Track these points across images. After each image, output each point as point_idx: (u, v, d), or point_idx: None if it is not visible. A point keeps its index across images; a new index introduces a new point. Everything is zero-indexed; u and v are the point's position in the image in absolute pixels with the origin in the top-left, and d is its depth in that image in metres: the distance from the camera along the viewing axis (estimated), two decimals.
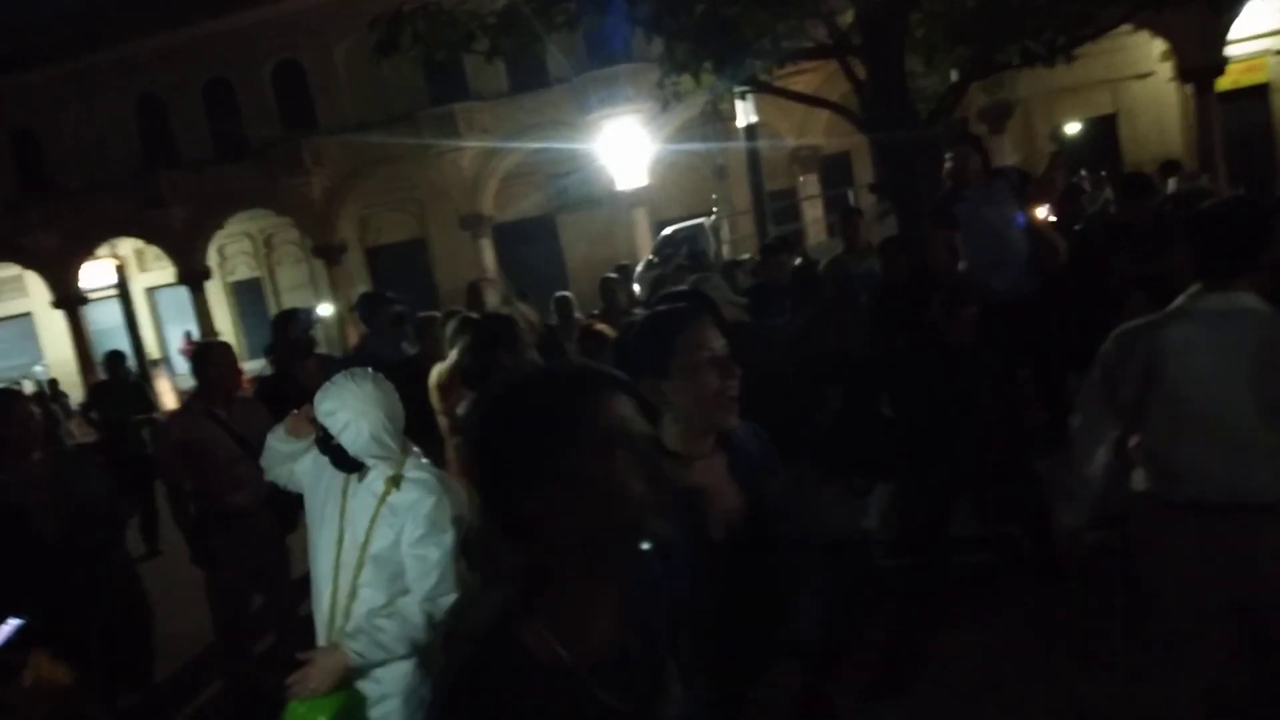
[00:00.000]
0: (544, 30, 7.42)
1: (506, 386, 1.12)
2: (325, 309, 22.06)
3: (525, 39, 7.71)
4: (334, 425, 2.53)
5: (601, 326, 4.47)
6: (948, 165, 4.90)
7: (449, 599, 2.49)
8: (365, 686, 2.56)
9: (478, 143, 22.28)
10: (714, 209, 17.88)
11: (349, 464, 2.57)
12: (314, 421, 2.60)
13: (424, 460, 2.69)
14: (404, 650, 2.46)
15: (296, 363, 4.99)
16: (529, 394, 1.10)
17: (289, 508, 4.74)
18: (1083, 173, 6.98)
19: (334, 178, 23.65)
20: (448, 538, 2.51)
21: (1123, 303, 3.86)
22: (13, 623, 2.75)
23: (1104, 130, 20.79)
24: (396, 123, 22.51)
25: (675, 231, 18.36)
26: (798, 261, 6.64)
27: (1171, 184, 5.70)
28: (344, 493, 2.63)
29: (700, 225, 17.77)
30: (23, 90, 24.72)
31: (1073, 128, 20.61)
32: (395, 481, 2.56)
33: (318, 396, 2.57)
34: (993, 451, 4.13)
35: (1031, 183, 4.65)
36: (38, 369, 22.16)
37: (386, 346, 5.44)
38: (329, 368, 5.16)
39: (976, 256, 4.73)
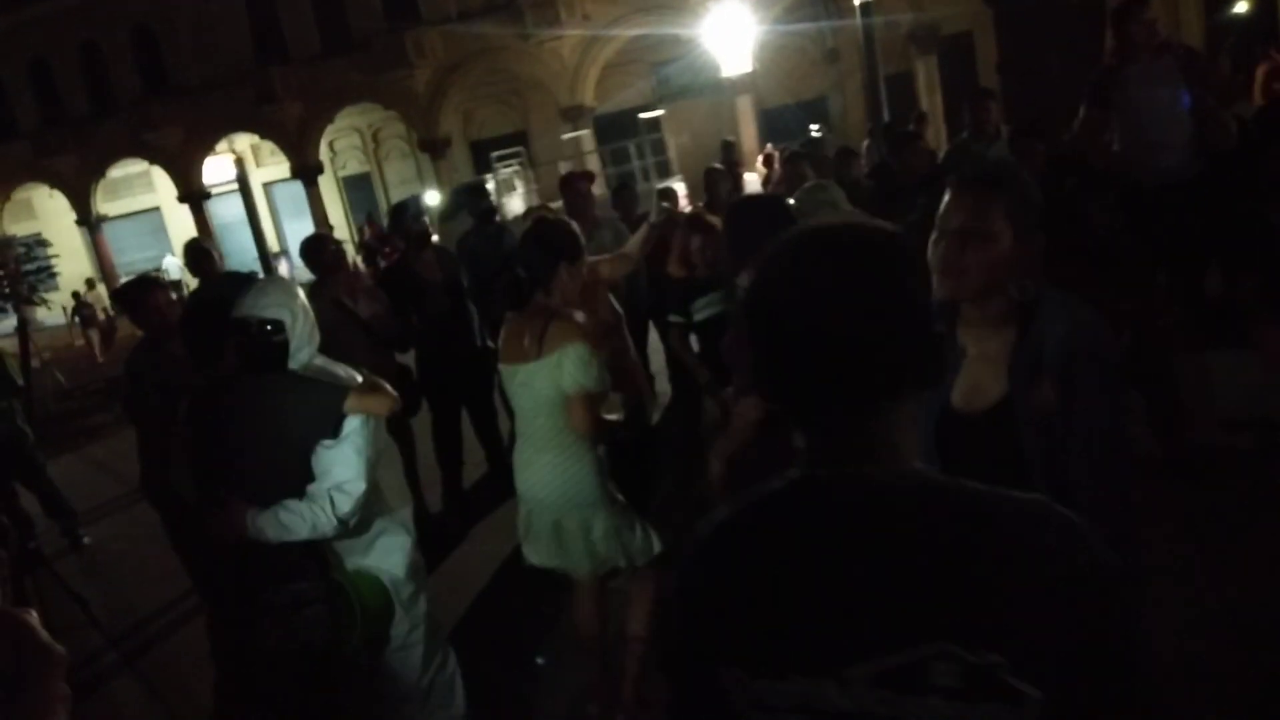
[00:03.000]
0: None
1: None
2: (432, 197, 22.35)
3: None
4: (284, 319, 2.61)
5: (711, 217, 4.36)
6: (1117, 33, 4.46)
7: (357, 487, 2.57)
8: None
9: (578, 30, 21.78)
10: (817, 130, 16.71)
11: (272, 361, 2.62)
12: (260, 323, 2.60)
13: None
14: (305, 532, 2.54)
15: (414, 254, 5.08)
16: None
17: (410, 392, 4.95)
18: (1273, 53, 6.24)
19: (437, 70, 23.63)
20: (356, 430, 2.59)
21: (1276, 192, 3.54)
22: None
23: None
24: (498, 11, 22.19)
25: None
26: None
27: None
28: None
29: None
30: None
31: (1241, 4, 18.59)
32: None
33: (254, 293, 2.62)
34: (1133, 348, 3.93)
35: (1197, 64, 4.23)
36: (168, 261, 23.34)
37: (486, 242, 5.49)
38: (445, 260, 5.27)
39: (1138, 138, 4.37)
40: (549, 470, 2.95)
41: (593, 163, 23.12)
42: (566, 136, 22.93)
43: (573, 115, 23.23)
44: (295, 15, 25.20)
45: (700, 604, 1.02)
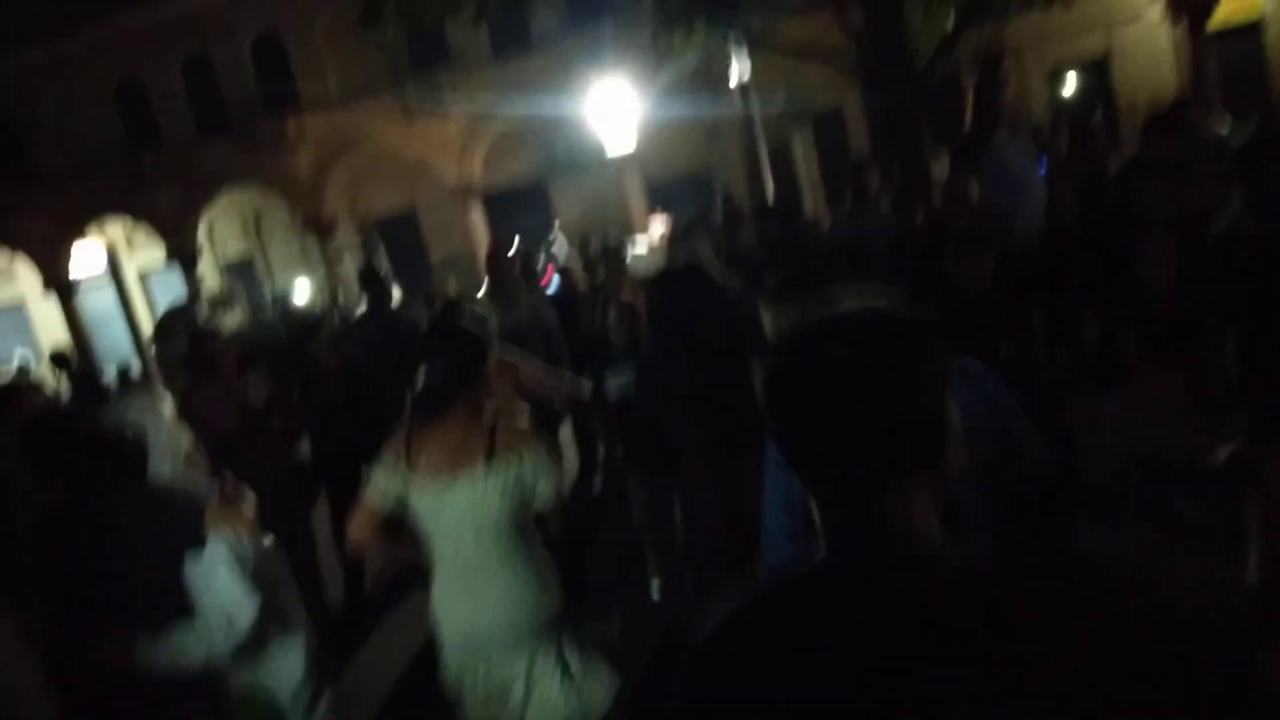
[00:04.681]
0: None
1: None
2: (303, 287, 21.78)
3: (511, 2, 7.59)
4: (145, 431, 2.53)
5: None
6: (981, 103, 4.80)
7: (248, 602, 2.43)
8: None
9: (464, 109, 21.99)
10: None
11: (129, 476, 2.51)
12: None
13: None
14: (200, 656, 2.40)
15: (306, 340, 4.94)
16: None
17: (306, 484, 4.75)
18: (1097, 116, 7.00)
19: (320, 151, 23.37)
20: (229, 543, 2.48)
21: (1145, 244, 3.84)
22: None
23: (1097, 75, 20.60)
24: (380, 93, 22.21)
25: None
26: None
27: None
28: None
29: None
30: (1, 76, 24.30)
31: (1070, 84, 20.46)
32: None
33: (114, 404, 2.57)
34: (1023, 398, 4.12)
35: (1048, 135, 4.60)
36: (20, 354, 21.49)
37: (381, 330, 5.39)
38: (342, 344, 5.14)
39: (999, 202, 4.68)
40: (504, 600, 2.58)
41: (482, 240, 23.18)
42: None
43: (461, 192, 23.27)
44: (167, 99, 24.60)
45: (719, 709, 0.98)
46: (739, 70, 8.57)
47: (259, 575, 2.50)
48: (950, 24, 7.99)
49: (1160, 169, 4.56)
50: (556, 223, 18.09)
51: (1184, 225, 4.06)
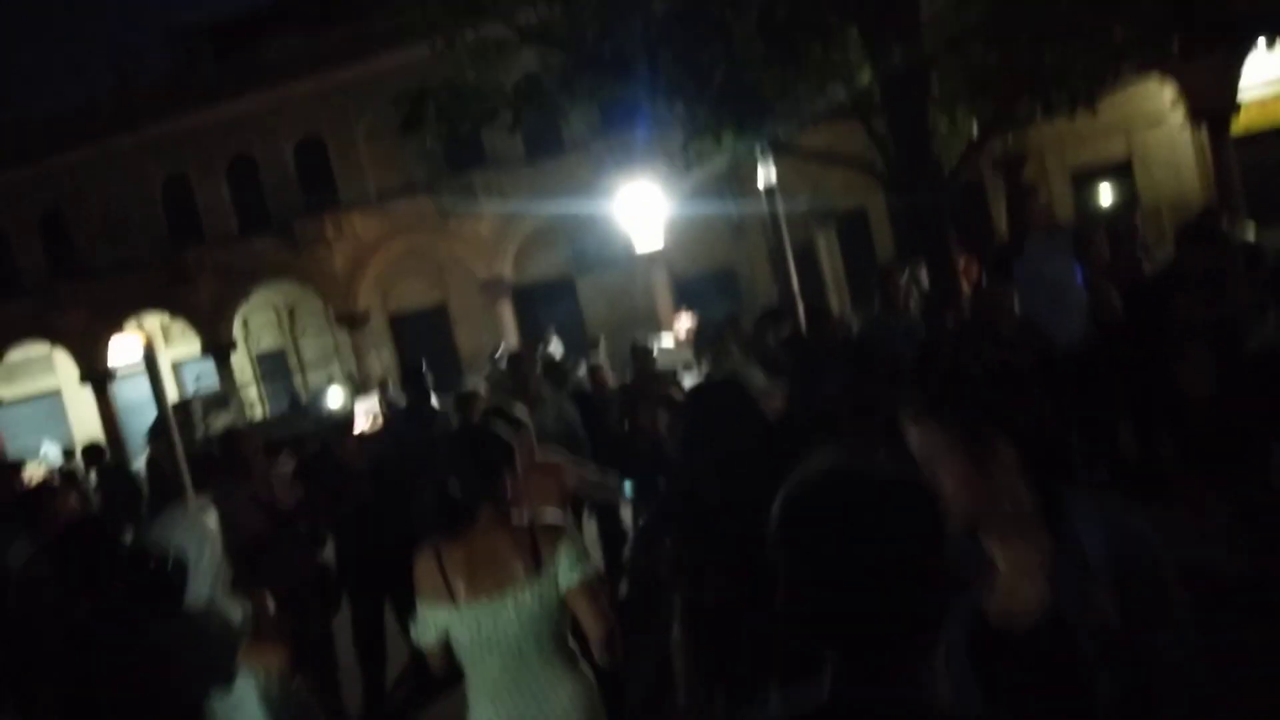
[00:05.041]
0: (567, 102, 7.53)
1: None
2: (336, 391, 21.86)
3: (547, 111, 7.84)
4: (187, 553, 2.48)
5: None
6: (1015, 215, 4.89)
7: None
8: None
9: (496, 210, 22.58)
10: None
11: (167, 598, 2.43)
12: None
13: None
14: None
15: (336, 440, 4.97)
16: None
17: (330, 590, 4.70)
18: (1136, 222, 7.03)
19: (355, 248, 24.00)
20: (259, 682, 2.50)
21: (1183, 352, 3.79)
22: None
23: (1119, 178, 20.83)
24: (416, 192, 22.91)
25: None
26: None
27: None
28: None
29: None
30: (52, 174, 25.39)
31: (1106, 194, 20.80)
32: None
33: (160, 521, 2.53)
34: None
35: (1086, 242, 4.64)
36: (46, 447, 21.55)
37: (417, 427, 5.43)
38: (371, 444, 5.16)
39: (1035, 307, 4.68)
40: (569, 703, 2.52)
41: (511, 333, 23.47)
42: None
43: (492, 287, 23.70)
44: (212, 197, 25.51)
45: None
46: (765, 175, 8.75)
47: (285, 716, 2.44)
48: (975, 131, 8.14)
49: (1195, 278, 4.56)
50: (553, 327, 18.46)
51: (1220, 334, 4.02)
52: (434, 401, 5.58)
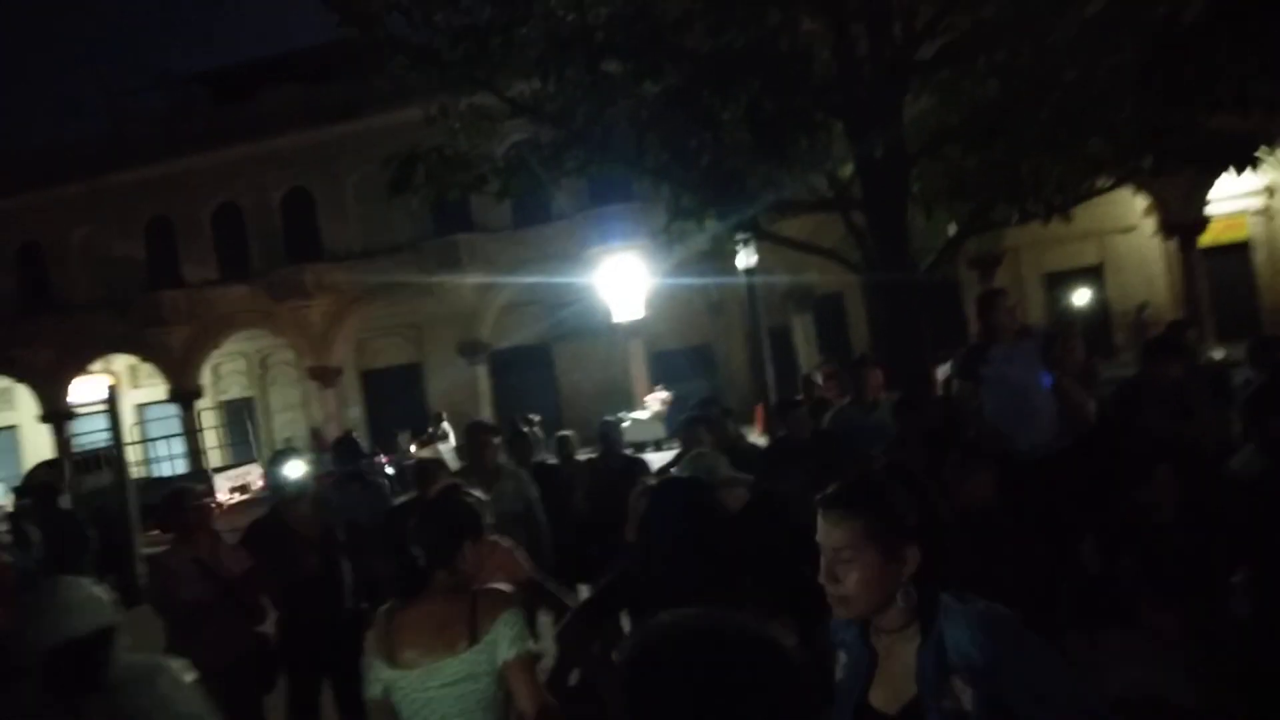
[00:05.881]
0: (553, 178, 7.61)
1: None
2: (295, 465, 21.56)
3: (534, 182, 7.91)
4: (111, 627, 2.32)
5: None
6: (984, 318, 4.92)
7: None
8: None
9: (479, 274, 22.67)
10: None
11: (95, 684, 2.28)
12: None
13: None
14: None
15: (286, 506, 4.81)
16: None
17: (267, 665, 4.50)
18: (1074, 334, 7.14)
19: (335, 303, 23.92)
20: None
21: (1147, 472, 3.78)
22: None
23: (1090, 283, 21.33)
24: (400, 251, 22.97)
25: None
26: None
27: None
28: None
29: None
30: (35, 207, 25.27)
31: (1082, 296, 21.23)
32: None
33: (56, 611, 2.27)
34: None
35: (1055, 347, 4.66)
36: None
37: (350, 498, 5.32)
38: (322, 512, 5.01)
39: (1001, 414, 4.68)
40: None
41: (485, 399, 23.33)
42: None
43: (469, 350, 23.63)
44: (194, 242, 25.42)
45: None
46: (744, 259, 8.84)
47: None
48: (952, 230, 8.29)
49: (1160, 393, 4.58)
50: (444, 414, 18.57)
51: (1187, 456, 4.02)
52: (374, 465, 5.46)
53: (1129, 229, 20.61)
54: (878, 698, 1.76)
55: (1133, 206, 19.76)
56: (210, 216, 25.46)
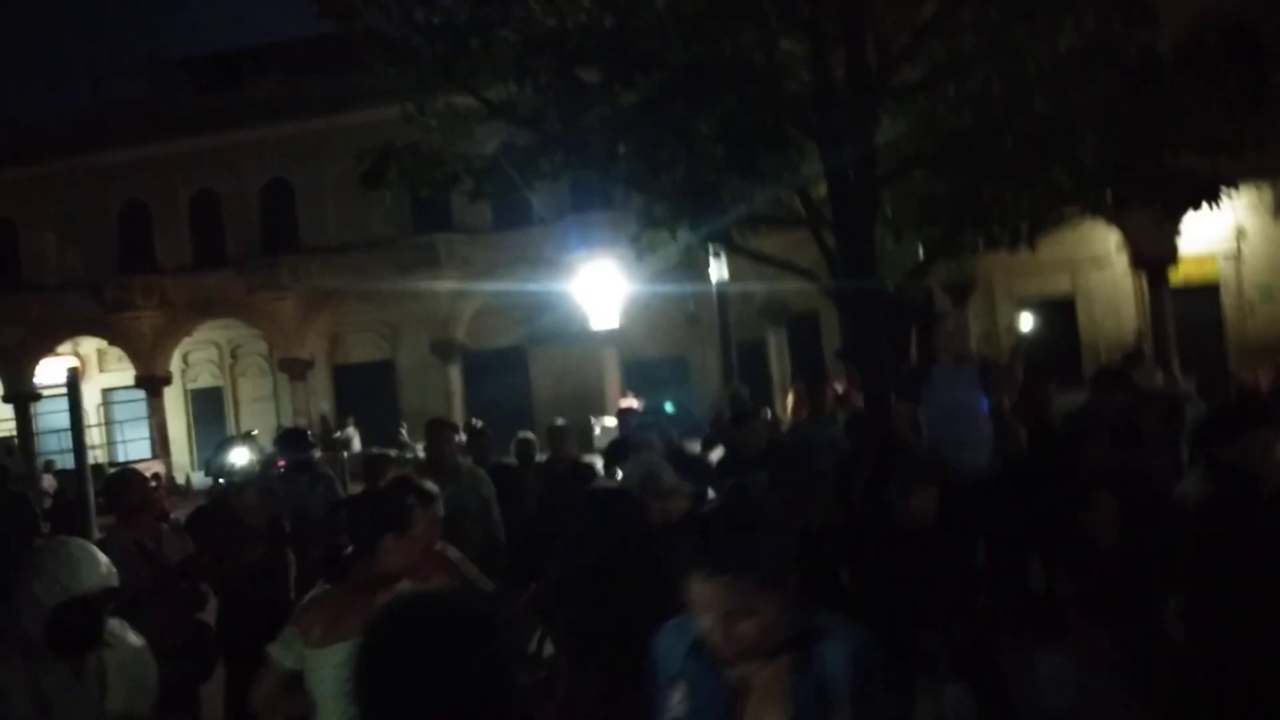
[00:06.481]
0: (527, 181, 7.60)
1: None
2: (239, 452, 21.47)
3: (509, 184, 7.90)
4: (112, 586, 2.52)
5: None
6: (934, 338, 4.98)
7: None
8: None
9: (456, 274, 22.59)
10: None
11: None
12: None
13: None
14: None
15: (233, 494, 4.79)
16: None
17: (206, 652, 4.45)
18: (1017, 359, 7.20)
19: (310, 295, 23.76)
20: None
21: (1090, 498, 3.83)
22: None
23: (1061, 313, 21.54)
24: (378, 247, 22.85)
25: None
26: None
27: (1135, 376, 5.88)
28: None
29: None
30: (11, 183, 24.90)
31: (1027, 321, 21.25)
32: None
33: (71, 562, 2.42)
34: (953, 639, 4.00)
35: (994, 371, 4.73)
36: None
37: (295, 491, 5.30)
38: (268, 502, 4.97)
39: (940, 435, 4.73)
40: None
41: (458, 399, 23.22)
42: None
43: (442, 350, 23.52)
44: (170, 227, 25.20)
45: None
46: (717, 272, 8.89)
47: None
48: (919, 252, 8.36)
49: (1105, 422, 4.65)
50: (351, 419, 18.79)
51: (1129, 483, 4.08)
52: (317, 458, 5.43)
53: (1102, 264, 20.89)
54: None
55: (1107, 242, 20.03)
56: (188, 203, 25.23)
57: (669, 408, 4.58)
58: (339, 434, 17.53)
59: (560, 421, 6.66)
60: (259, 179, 24.72)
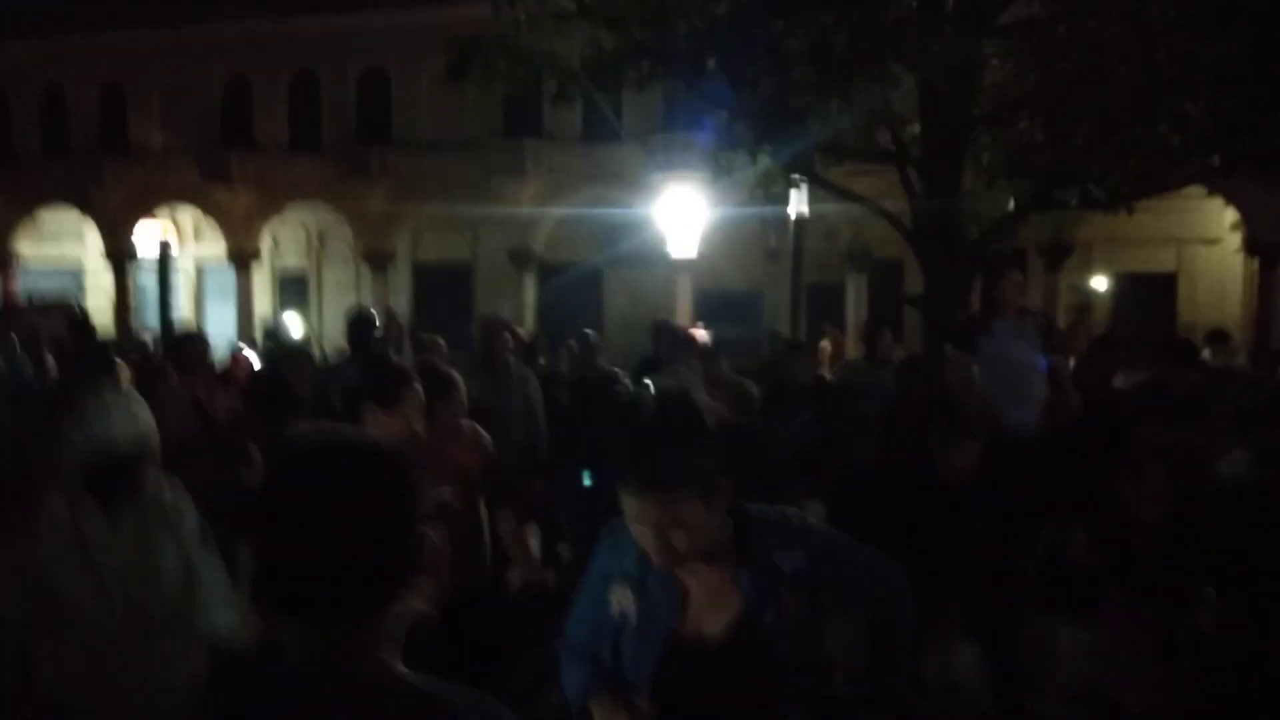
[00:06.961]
0: (612, 86, 7.46)
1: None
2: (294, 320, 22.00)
3: (593, 89, 7.78)
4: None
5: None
6: (999, 290, 4.80)
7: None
8: None
9: (541, 182, 22.55)
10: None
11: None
12: None
13: None
14: None
15: (290, 365, 4.93)
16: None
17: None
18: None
19: (396, 188, 24.03)
20: None
21: (1137, 469, 3.68)
22: None
23: (1162, 290, 20.49)
24: (467, 146, 22.90)
25: None
26: None
27: (1206, 354, 5.51)
28: None
29: None
30: (119, 48, 25.56)
31: (1101, 283, 20.35)
32: None
33: (109, 407, 2.40)
34: (974, 600, 3.93)
35: (1055, 332, 4.53)
36: None
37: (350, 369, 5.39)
38: (321, 377, 5.12)
39: (993, 390, 4.57)
40: None
41: (530, 309, 23.44)
42: None
43: (519, 258, 23.67)
44: (268, 104, 25.65)
45: None
46: (796, 204, 8.66)
47: None
48: (1010, 204, 7.99)
49: (1167, 399, 4.42)
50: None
51: (1182, 462, 3.90)
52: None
53: (1213, 241, 19.74)
54: (691, 627, 1.74)
55: (1220, 218, 18.89)
56: (288, 84, 25.59)
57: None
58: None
59: (591, 333, 6.63)
60: (357, 66, 24.88)
